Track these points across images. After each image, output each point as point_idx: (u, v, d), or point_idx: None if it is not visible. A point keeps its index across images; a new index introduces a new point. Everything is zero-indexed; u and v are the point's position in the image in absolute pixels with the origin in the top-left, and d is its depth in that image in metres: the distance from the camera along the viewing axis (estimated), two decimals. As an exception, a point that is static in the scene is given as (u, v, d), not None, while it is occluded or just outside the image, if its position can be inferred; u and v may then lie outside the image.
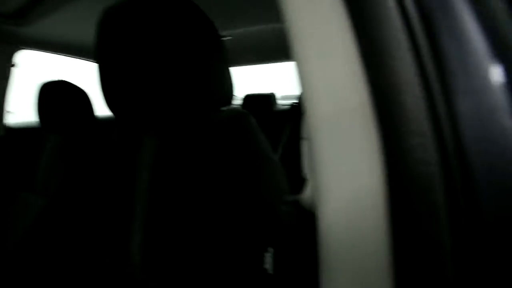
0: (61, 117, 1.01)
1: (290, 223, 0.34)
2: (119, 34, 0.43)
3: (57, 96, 1.01)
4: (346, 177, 0.22)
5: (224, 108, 0.51)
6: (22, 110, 1.51)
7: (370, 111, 0.21)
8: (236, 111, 0.50)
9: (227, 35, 1.36)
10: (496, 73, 0.22)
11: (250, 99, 2.09)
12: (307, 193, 0.29)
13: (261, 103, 2.05)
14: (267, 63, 2.10)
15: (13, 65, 1.26)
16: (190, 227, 0.43)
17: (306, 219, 0.39)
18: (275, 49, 1.61)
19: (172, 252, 0.44)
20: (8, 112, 1.29)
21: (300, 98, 1.61)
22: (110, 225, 0.52)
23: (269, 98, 2.07)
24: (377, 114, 0.21)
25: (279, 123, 1.86)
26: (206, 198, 0.42)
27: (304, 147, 0.29)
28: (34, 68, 1.45)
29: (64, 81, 1.05)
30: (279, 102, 2.16)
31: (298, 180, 0.39)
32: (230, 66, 0.49)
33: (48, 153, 1.06)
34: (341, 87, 0.22)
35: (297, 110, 1.78)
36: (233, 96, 0.51)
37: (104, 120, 1.74)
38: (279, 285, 0.36)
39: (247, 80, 2.35)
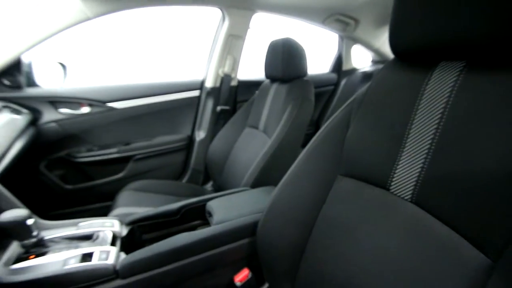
0: (285, 69, 1.17)
1: None
2: None
3: (283, 51, 1.18)
4: None
5: None
6: (251, 66, 1.80)
7: None
8: None
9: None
10: None
11: None
12: None
13: None
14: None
15: (249, 28, 1.50)
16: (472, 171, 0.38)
17: None
18: None
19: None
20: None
21: None
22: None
23: None
24: None
25: None
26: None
27: None
28: (259, 30, 1.62)
29: (289, 38, 1.19)
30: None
31: None
32: None
33: (270, 98, 1.27)
34: None
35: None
36: None
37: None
38: None
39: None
